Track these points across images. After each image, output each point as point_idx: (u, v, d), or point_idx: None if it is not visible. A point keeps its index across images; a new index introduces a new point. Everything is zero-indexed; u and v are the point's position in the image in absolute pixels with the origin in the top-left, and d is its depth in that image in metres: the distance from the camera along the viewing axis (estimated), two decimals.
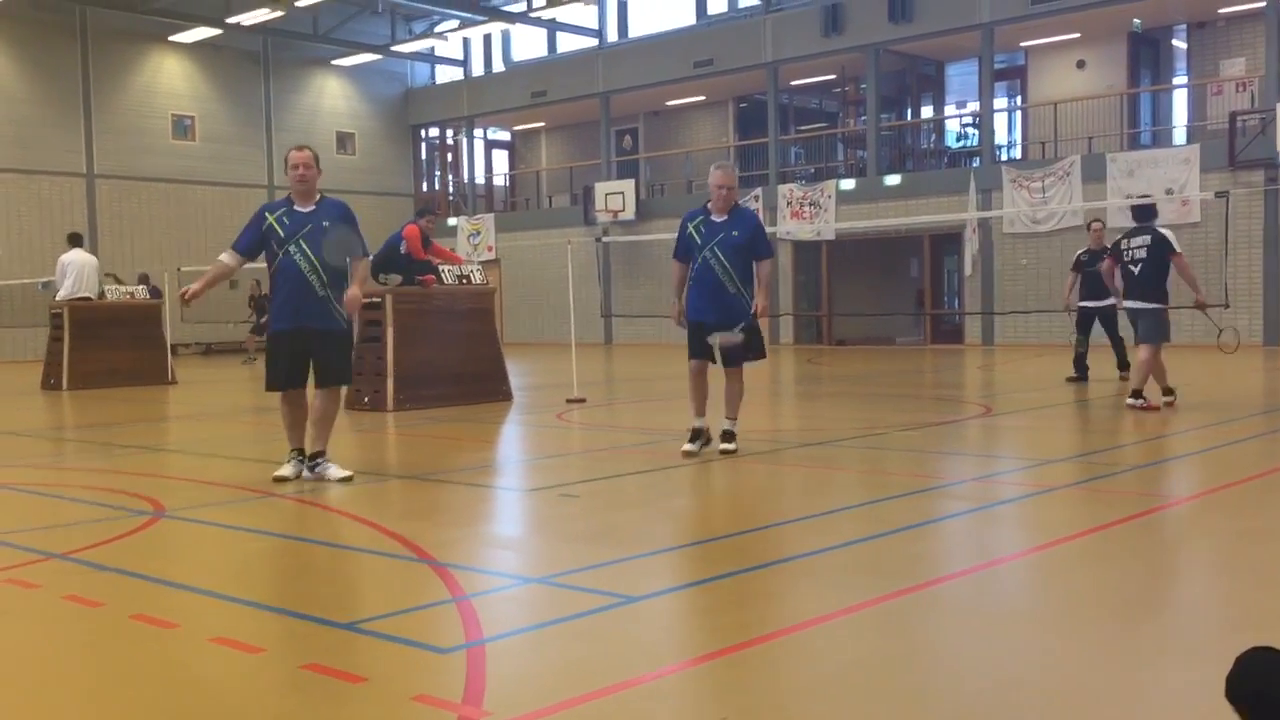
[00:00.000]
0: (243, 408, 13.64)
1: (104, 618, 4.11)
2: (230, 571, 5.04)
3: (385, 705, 3.18)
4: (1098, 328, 13.09)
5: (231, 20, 27.12)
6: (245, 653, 3.67)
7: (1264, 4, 20.17)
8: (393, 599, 4.36)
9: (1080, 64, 24.45)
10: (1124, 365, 13.08)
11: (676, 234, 8.13)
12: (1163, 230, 10.45)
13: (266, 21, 27.44)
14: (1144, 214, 10.83)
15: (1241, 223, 19.62)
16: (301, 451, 7.20)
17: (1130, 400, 10.25)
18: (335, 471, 7.10)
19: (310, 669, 3.45)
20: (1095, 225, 13.57)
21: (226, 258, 7.17)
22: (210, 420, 12.26)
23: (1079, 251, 13.58)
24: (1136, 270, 10.39)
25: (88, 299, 16.14)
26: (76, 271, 16.06)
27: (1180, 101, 24.43)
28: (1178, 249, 10.32)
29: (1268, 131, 19.23)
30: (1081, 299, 13.15)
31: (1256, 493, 6.39)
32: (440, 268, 12.46)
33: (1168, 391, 10.53)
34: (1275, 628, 3.75)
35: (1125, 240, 10.61)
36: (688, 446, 7.86)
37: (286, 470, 7.09)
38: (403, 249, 11.94)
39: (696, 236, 7.92)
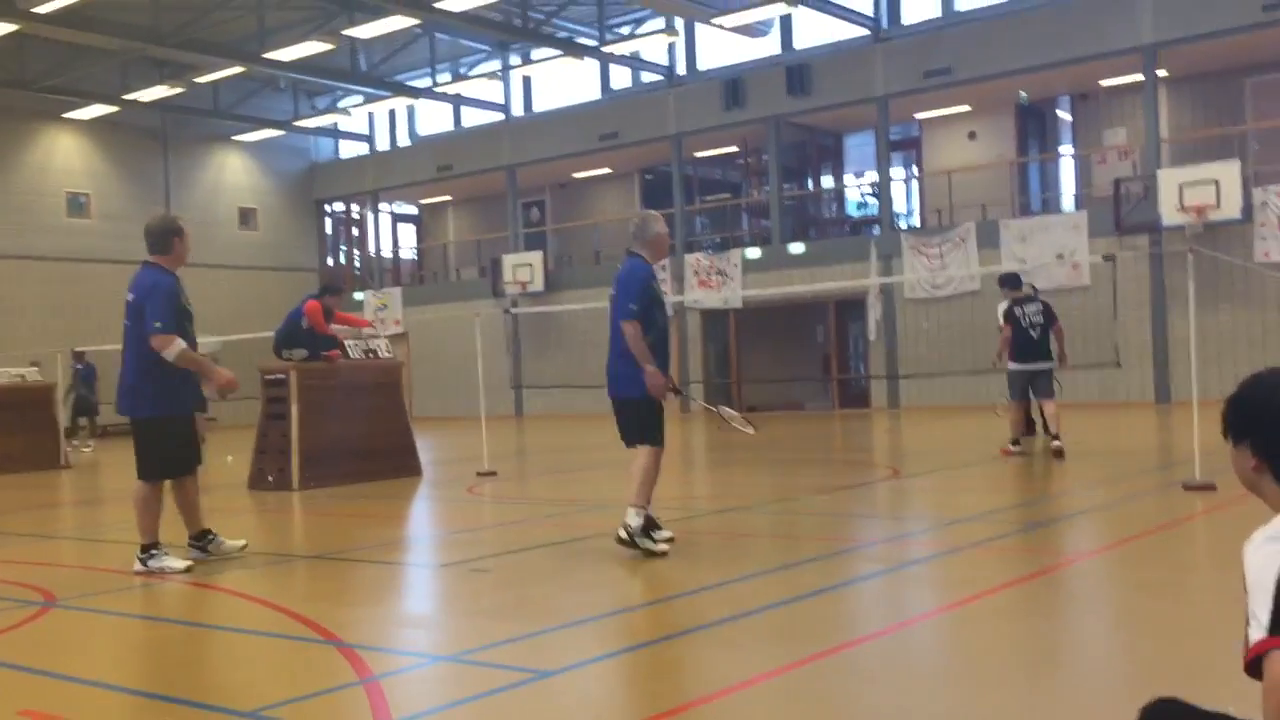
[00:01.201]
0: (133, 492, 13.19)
1: None
2: (126, 662, 4.84)
3: None
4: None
5: (128, 97, 26.74)
6: None
7: (1142, 77, 21.16)
8: (297, 683, 4.22)
9: (972, 135, 25.32)
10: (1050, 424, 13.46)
11: (634, 290, 6.59)
12: (1045, 300, 12.08)
13: (165, 98, 27.13)
14: (1012, 280, 12.24)
15: (1129, 285, 20.35)
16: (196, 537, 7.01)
17: (1056, 444, 11.37)
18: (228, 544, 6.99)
19: None
20: (1027, 290, 13.72)
21: (178, 345, 6.59)
22: (104, 506, 11.85)
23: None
24: (1035, 334, 11.71)
25: None
26: None
27: (1067, 169, 25.42)
28: (1057, 316, 11.97)
29: (1150, 198, 20.05)
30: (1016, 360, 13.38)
31: (1153, 547, 6.55)
32: (346, 342, 12.30)
33: (1016, 442, 12.03)
34: (1175, 678, 3.82)
35: (1019, 308, 11.89)
36: (663, 546, 6.61)
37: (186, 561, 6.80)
38: (304, 324, 11.73)
39: (659, 295, 6.88)
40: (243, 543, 7.15)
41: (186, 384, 6.84)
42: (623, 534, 6.54)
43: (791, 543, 7.26)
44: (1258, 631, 2.00)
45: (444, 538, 8.51)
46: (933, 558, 6.48)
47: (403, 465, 12.43)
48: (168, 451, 6.78)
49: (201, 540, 7.05)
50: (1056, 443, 11.40)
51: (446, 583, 6.46)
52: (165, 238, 6.85)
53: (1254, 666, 2.02)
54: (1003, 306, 12.32)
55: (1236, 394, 2.28)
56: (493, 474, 12.06)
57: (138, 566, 6.65)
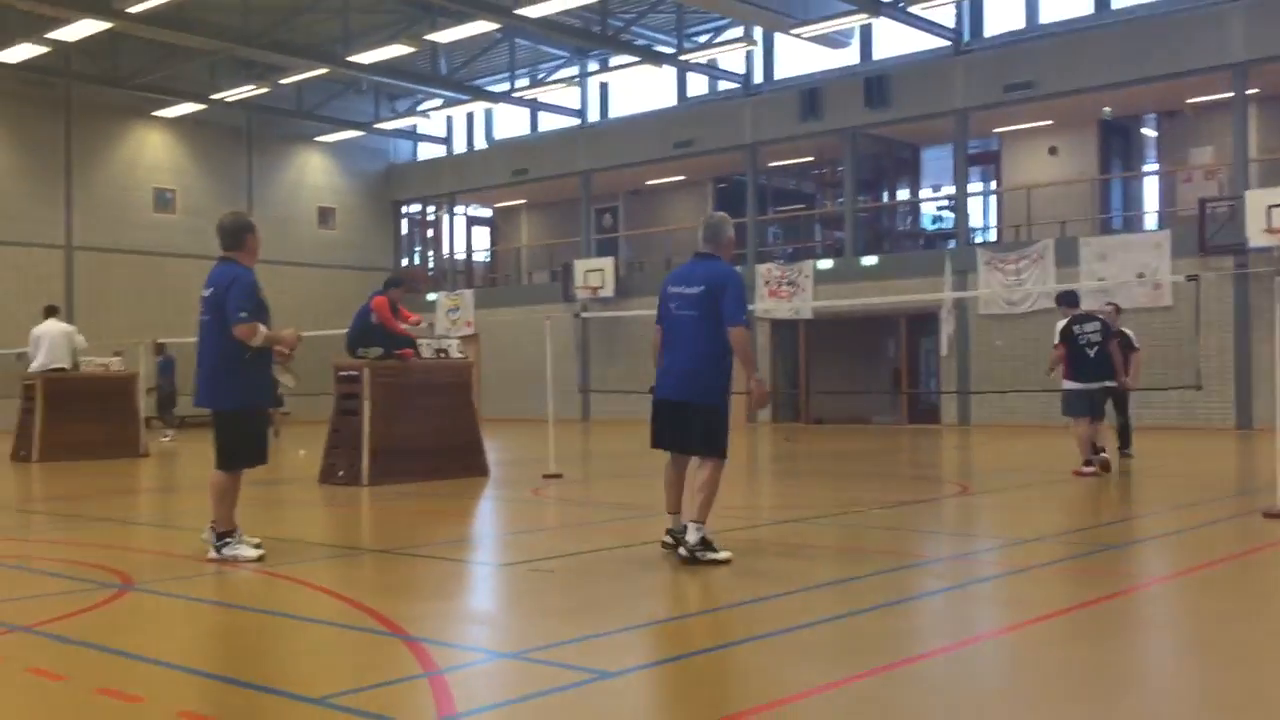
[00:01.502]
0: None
1: (69, 692, 4.03)
2: (198, 645, 4.96)
3: None
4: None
5: (215, 96, 27.40)
6: None
7: (1231, 94, 20.69)
8: (363, 674, 4.29)
9: (1052, 150, 24.93)
10: (1127, 444, 13.30)
11: (741, 295, 6.60)
12: (1102, 317, 12.13)
13: (250, 97, 27.75)
14: (1069, 298, 12.16)
15: (1213, 307, 19.88)
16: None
17: (1089, 468, 11.49)
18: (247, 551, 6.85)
19: None
20: (1107, 308, 13.54)
21: (262, 332, 6.75)
22: (180, 493, 12.13)
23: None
24: (1092, 353, 11.73)
25: (61, 370, 16.03)
26: (50, 343, 15.96)
27: (1151, 188, 24.91)
28: (1113, 331, 12.07)
29: (1236, 218, 19.60)
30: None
31: (1229, 574, 6.40)
32: (419, 341, 12.47)
33: (1088, 462, 11.68)
34: (1249, 708, 3.74)
35: (1077, 326, 11.87)
36: (726, 553, 6.53)
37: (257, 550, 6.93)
38: (373, 320, 11.92)
39: None
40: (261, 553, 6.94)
41: (264, 378, 7.01)
42: (684, 553, 6.47)
43: (855, 556, 7.21)
44: None
45: (509, 537, 8.59)
46: (999, 576, 6.40)
47: (470, 465, 12.55)
48: (248, 442, 6.95)
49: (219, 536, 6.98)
50: (1089, 468, 11.47)
51: (510, 582, 6.52)
52: (239, 234, 7.03)
53: None
54: (1061, 324, 12.19)
55: None
56: (558, 476, 12.13)
57: (211, 553, 6.82)
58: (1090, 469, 11.64)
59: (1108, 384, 11.88)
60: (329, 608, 5.65)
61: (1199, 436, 18.20)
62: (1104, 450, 11.79)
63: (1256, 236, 18.95)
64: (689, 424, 6.63)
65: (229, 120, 29.88)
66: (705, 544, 6.44)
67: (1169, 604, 5.72)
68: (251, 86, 27.00)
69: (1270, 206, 18.81)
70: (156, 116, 28.51)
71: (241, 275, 6.85)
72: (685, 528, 6.51)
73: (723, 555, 6.46)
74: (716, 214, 7.02)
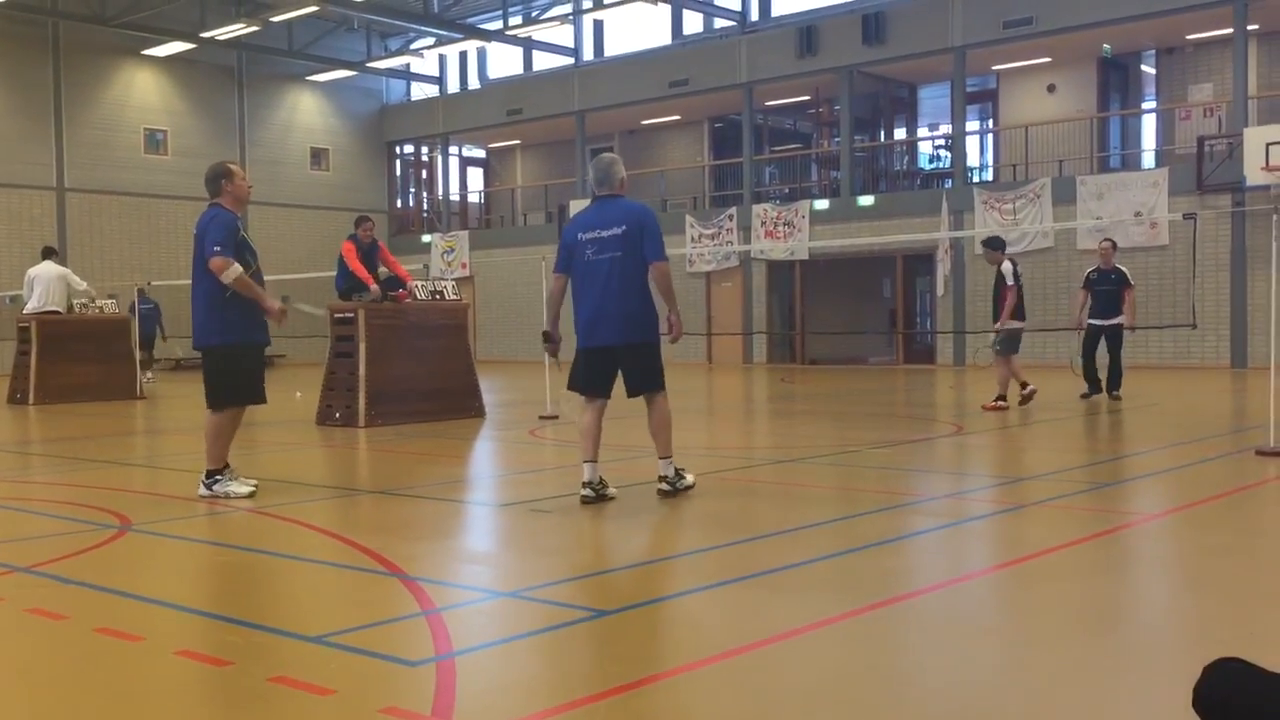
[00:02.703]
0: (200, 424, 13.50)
1: (68, 631, 4.05)
2: (196, 584, 4.99)
3: (353, 717, 3.15)
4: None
5: (206, 34, 27.04)
6: (212, 665, 3.64)
7: (1231, 30, 20.47)
8: (361, 612, 4.33)
9: (1051, 88, 24.72)
10: (1116, 385, 13.40)
11: (659, 232, 6.69)
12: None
13: (241, 36, 27.39)
14: (994, 243, 12.99)
15: (1209, 246, 19.86)
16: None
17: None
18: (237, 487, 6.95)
19: (277, 681, 3.42)
20: (1104, 244, 13.72)
21: (235, 268, 6.78)
22: (177, 435, 12.15)
23: (1088, 270, 13.85)
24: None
25: (56, 313, 15.98)
26: (44, 285, 15.90)
27: (1149, 126, 24.73)
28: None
29: (1235, 156, 19.48)
30: (1090, 316, 13.41)
31: (1223, 510, 6.45)
32: (413, 283, 12.45)
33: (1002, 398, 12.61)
34: (1240, 641, 3.78)
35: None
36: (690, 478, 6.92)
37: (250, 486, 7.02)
38: (349, 269, 11.95)
39: None
40: (253, 487, 7.02)
41: (252, 316, 7.01)
42: (666, 487, 6.72)
43: (850, 495, 7.25)
44: None
45: (505, 478, 8.63)
46: (994, 514, 6.44)
47: (466, 406, 12.59)
48: (234, 380, 7.00)
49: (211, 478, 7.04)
50: (1003, 403, 12.45)
51: (507, 521, 6.55)
52: (215, 181, 7.14)
53: None
54: (1009, 267, 12.66)
55: None
56: (555, 417, 12.16)
57: (201, 490, 6.91)
58: (1004, 404, 12.43)
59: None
60: (327, 547, 5.68)
61: (1194, 375, 18.25)
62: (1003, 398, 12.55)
63: (1254, 174, 18.87)
64: (635, 364, 6.67)
65: (220, 59, 29.52)
66: (679, 474, 6.78)
67: (1162, 540, 5.77)
68: (242, 25, 26.64)
69: (1269, 144, 18.70)
70: (147, 56, 28.15)
71: (220, 215, 6.96)
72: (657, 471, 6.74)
73: (690, 479, 6.85)
74: (605, 155, 6.94)
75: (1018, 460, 9.27)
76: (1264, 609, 4.29)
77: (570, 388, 6.91)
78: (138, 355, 17.31)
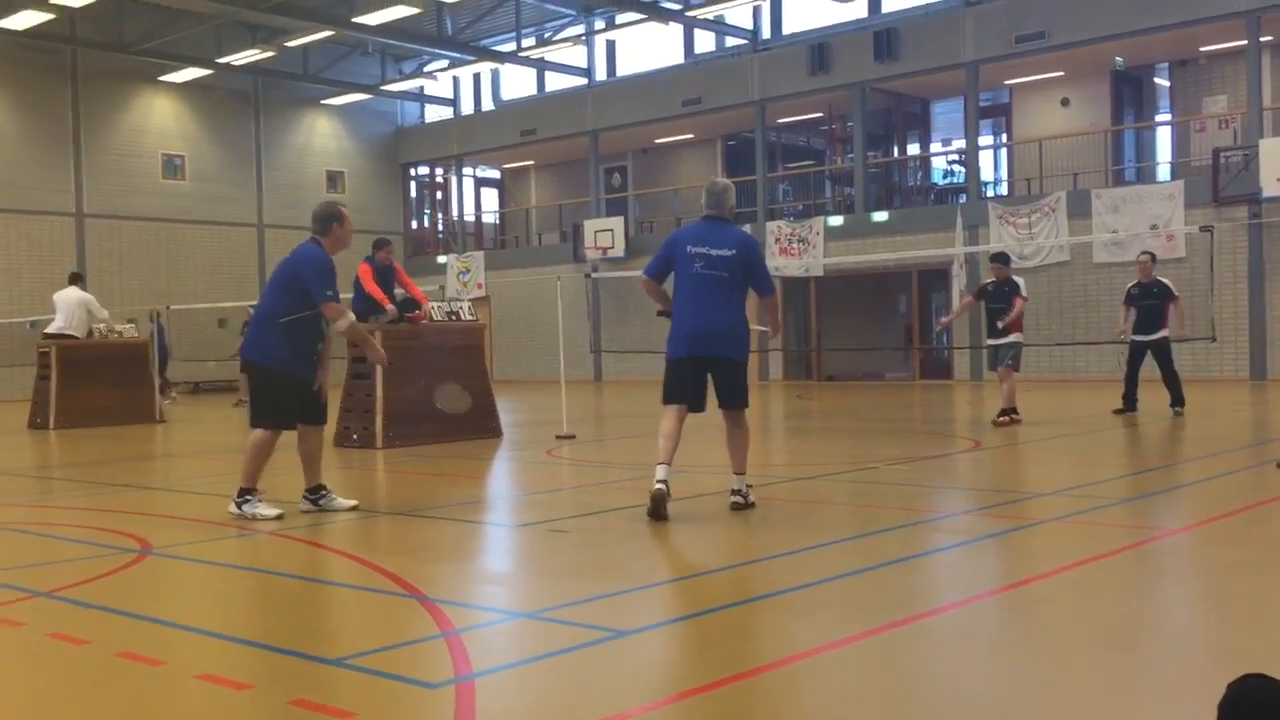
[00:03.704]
0: (228, 446, 13.58)
1: (90, 655, 4.07)
2: (217, 608, 5.01)
3: None
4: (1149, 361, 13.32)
5: (222, 60, 27.29)
6: (232, 689, 3.64)
7: (1245, 42, 20.43)
8: (381, 634, 4.33)
9: (1064, 102, 24.69)
10: (1179, 401, 13.18)
11: (763, 263, 7.16)
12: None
13: (257, 61, 27.64)
14: (1001, 258, 13.18)
15: (1226, 258, 19.77)
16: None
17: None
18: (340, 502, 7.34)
19: (298, 705, 3.42)
20: (1143, 258, 13.64)
21: (349, 316, 7.24)
22: (196, 459, 12.21)
23: (1129, 285, 13.78)
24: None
25: (73, 338, 16.10)
26: (66, 310, 16.05)
27: (1164, 138, 24.67)
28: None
29: (1250, 168, 19.42)
30: (1134, 332, 13.33)
31: (1245, 525, 6.40)
32: (431, 305, 12.50)
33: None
34: (1265, 659, 3.75)
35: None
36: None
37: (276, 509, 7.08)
38: (365, 291, 12.02)
39: None
40: (354, 503, 7.37)
41: (300, 349, 7.12)
42: (740, 500, 6.92)
43: (869, 512, 7.23)
44: None
45: (523, 498, 8.63)
46: (1014, 530, 6.41)
47: (483, 426, 12.60)
48: (271, 403, 7.09)
49: (315, 494, 7.31)
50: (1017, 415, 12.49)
51: (526, 542, 6.55)
52: (326, 221, 7.30)
53: None
54: (1023, 282, 12.91)
55: None
56: (571, 437, 12.16)
57: (231, 508, 7.00)
58: (1018, 417, 12.46)
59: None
60: (347, 570, 5.70)
61: (1213, 388, 18.14)
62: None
63: (1271, 185, 18.80)
64: (730, 379, 6.93)
65: (236, 85, 29.77)
66: (750, 488, 7.02)
67: (1182, 556, 5.73)
68: (257, 50, 26.87)
69: None
70: (163, 82, 28.42)
71: (320, 256, 7.14)
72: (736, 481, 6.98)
73: (753, 498, 7.04)
74: (721, 180, 7.20)
75: (1037, 475, 9.23)
76: None
77: (664, 400, 7.05)
78: (156, 380, 17.40)
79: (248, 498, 7.01)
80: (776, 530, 6.70)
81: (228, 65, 27.50)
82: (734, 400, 6.96)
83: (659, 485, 6.63)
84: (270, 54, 27.03)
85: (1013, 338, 12.54)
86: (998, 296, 12.62)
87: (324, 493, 7.32)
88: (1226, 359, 20.02)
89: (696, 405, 6.97)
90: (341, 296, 12.31)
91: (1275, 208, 19.05)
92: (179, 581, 5.59)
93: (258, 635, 4.44)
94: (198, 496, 8.68)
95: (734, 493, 6.98)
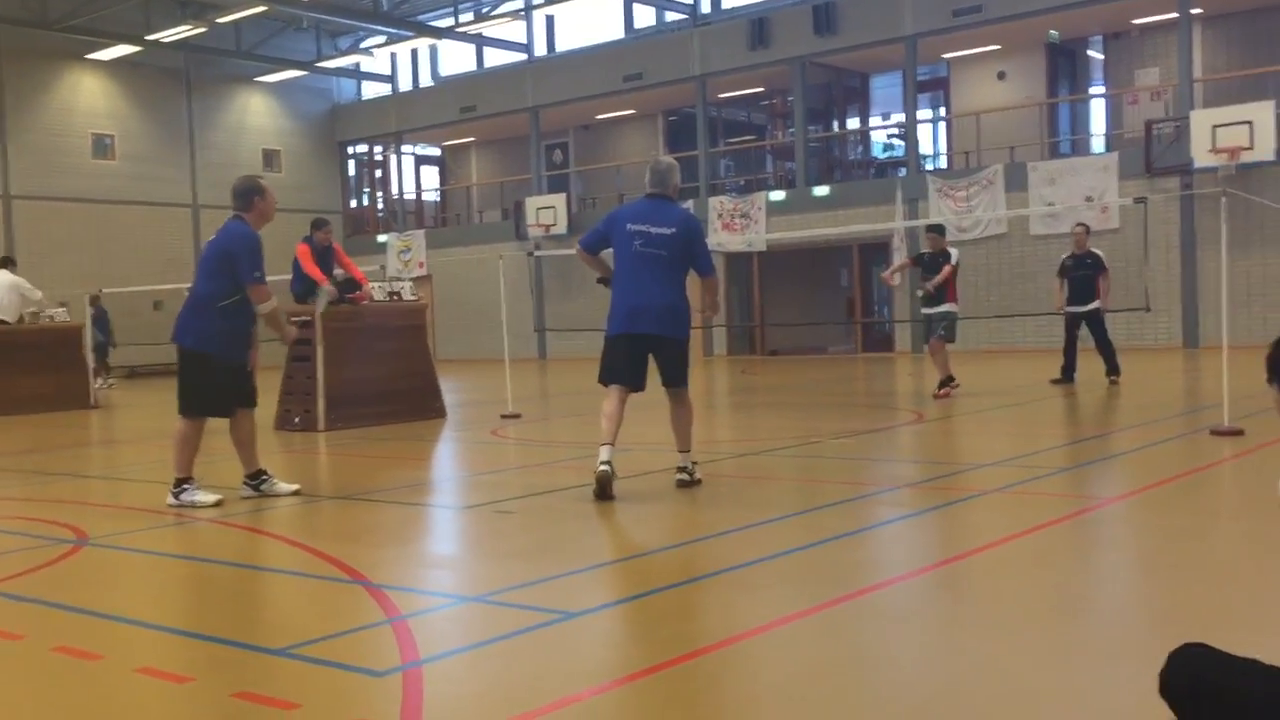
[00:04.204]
0: (165, 432, 13.33)
1: (26, 651, 3.98)
2: (156, 599, 4.92)
3: None
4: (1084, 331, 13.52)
5: (151, 37, 26.65)
6: (173, 683, 3.58)
7: (1176, 15, 20.73)
8: (325, 622, 4.27)
9: (1001, 75, 24.92)
10: (1114, 370, 13.37)
11: (705, 243, 7.16)
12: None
13: (188, 38, 27.01)
14: (937, 228, 13.47)
15: (1159, 228, 20.11)
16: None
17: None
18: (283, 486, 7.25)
19: (241, 697, 3.37)
20: (1078, 229, 13.82)
21: (274, 300, 7.10)
22: (133, 445, 11.99)
23: (1063, 256, 13.93)
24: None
25: (4, 322, 15.70)
26: None
27: (1098, 111, 25.01)
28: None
29: (1182, 139, 19.74)
30: (1068, 303, 13.46)
31: (1180, 492, 6.53)
32: (371, 285, 12.36)
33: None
34: (1204, 624, 3.82)
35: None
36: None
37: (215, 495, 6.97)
38: (304, 272, 11.82)
39: None
40: (295, 487, 7.28)
41: (235, 334, 7.01)
42: (686, 477, 6.95)
43: (813, 486, 7.27)
44: None
45: (468, 480, 8.58)
46: (956, 503, 6.48)
47: (427, 407, 12.50)
48: (201, 389, 6.94)
49: (255, 479, 7.22)
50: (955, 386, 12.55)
51: (471, 524, 6.51)
52: (246, 196, 7.12)
53: None
54: (956, 253, 13.00)
55: None
56: (516, 417, 12.11)
57: (170, 500, 6.85)
58: (956, 384, 12.52)
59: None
60: (290, 556, 5.62)
61: (1148, 356, 18.48)
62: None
63: (1202, 156, 19.13)
64: (670, 357, 6.92)
65: (166, 62, 29.10)
66: (695, 465, 7.07)
67: (1122, 524, 5.83)
68: (188, 27, 26.26)
69: (1215, 126, 18.96)
70: (91, 60, 27.70)
71: (248, 233, 6.99)
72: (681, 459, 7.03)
73: (699, 475, 7.06)
74: (665, 159, 7.18)
75: (979, 446, 9.34)
76: (1225, 591, 4.34)
77: (601, 379, 7.01)
78: (91, 364, 17.04)
79: (184, 486, 6.88)
80: (722, 507, 6.72)
81: (157, 42, 26.86)
82: (675, 378, 6.95)
83: (603, 466, 6.59)
84: (201, 30, 26.43)
85: (945, 308, 12.63)
86: (932, 266, 12.69)
87: (265, 477, 7.23)
88: (1160, 327, 20.39)
89: (635, 384, 6.94)
90: (280, 278, 12.17)
91: (1206, 179, 19.39)
92: (117, 572, 5.48)
93: (199, 626, 4.36)
94: (135, 484, 8.53)
95: (679, 470, 7.02)
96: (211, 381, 6.94)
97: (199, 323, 6.93)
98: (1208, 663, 2.32)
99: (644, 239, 6.80)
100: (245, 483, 7.22)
